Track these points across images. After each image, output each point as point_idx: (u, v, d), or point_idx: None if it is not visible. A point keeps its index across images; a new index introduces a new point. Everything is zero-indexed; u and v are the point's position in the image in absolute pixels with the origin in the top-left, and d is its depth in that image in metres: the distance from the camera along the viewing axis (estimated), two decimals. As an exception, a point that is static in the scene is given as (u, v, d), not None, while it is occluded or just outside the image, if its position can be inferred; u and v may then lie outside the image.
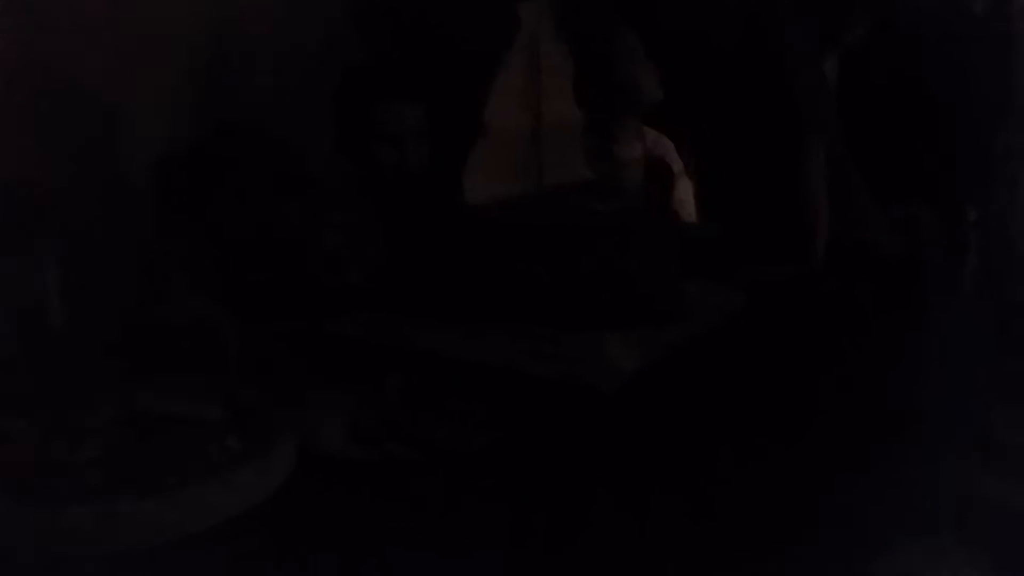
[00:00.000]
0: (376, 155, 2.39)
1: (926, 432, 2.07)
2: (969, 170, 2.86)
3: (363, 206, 2.34)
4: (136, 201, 2.45)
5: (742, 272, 2.23)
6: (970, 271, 2.77)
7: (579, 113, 2.85)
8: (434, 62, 2.56)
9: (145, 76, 2.42)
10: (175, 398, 1.59)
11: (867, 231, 2.35)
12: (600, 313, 1.92)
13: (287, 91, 2.68)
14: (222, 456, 1.38)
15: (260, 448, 1.40)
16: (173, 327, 1.77)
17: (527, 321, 1.93)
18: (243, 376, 1.72)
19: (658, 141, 3.02)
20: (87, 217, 2.29)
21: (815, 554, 1.70)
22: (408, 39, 2.65)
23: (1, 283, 1.91)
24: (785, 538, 1.60)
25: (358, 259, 2.27)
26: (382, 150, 2.38)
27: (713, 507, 1.51)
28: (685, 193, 2.86)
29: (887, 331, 2.09)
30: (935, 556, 2.23)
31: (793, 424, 1.73)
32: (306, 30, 2.72)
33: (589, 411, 1.66)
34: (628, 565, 1.30)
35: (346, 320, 2.06)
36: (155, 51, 2.43)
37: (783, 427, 1.72)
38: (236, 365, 1.71)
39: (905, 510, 2.09)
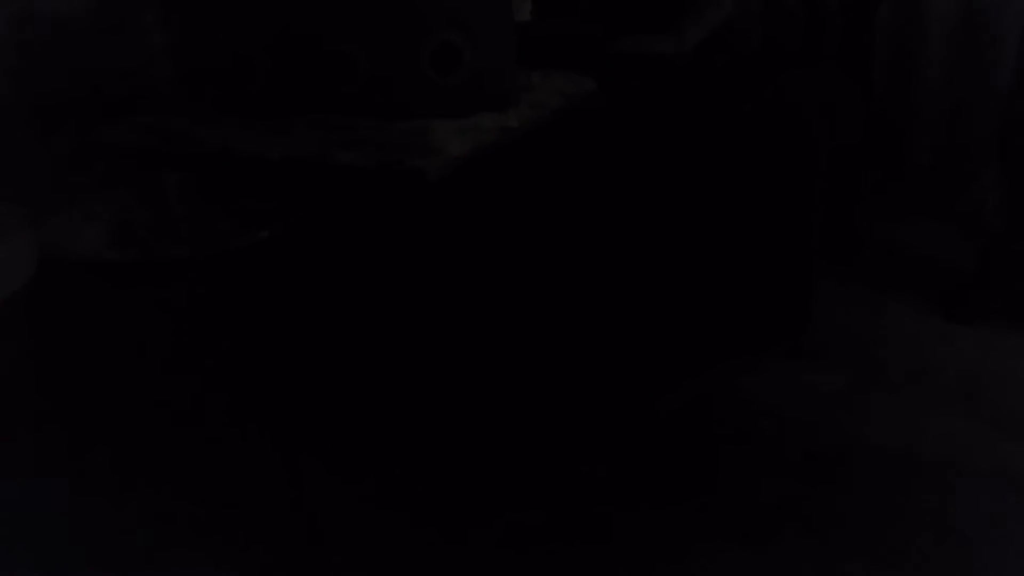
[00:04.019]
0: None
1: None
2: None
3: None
4: None
5: (612, 47, 1.98)
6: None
7: None
8: None
9: None
10: None
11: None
12: (424, 97, 1.66)
13: None
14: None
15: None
16: None
17: (340, 111, 1.65)
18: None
19: None
20: None
21: (658, 350, 1.56)
22: None
23: None
24: (627, 333, 1.44)
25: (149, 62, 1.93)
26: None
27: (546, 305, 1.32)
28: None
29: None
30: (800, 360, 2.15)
31: (640, 206, 1.55)
32: None
33: (409, 199, 1.42)
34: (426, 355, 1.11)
35: (130, 125, 1.74)
36: None
37: (628, 212, 1.53)
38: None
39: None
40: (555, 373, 1.38)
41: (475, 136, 1.62)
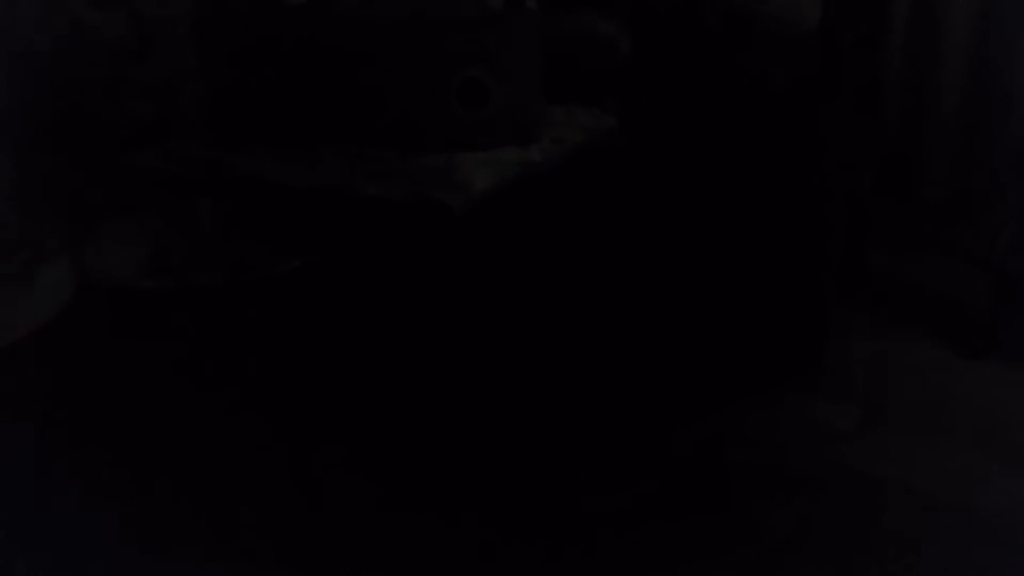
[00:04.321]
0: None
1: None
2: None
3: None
4: None
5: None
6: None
7: None
8: None
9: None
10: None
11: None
12: (450, 131, 1.69)
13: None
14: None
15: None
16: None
17: (368, 143, 1.69)
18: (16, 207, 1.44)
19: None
20: None
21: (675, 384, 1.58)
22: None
23: None
24: (646, 368, 1.47)
25: (180, 87, 1.97)
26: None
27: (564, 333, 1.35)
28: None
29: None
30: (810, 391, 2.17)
31: (660, 243, 1.58)
32: None
33: (434, 231, 1.46)
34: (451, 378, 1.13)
35: (161, 151, 1.78)
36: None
37: (648, 247, 1.56)
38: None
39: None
40: (573, 407, 1.41)
41: (499, 170, 1.65)
